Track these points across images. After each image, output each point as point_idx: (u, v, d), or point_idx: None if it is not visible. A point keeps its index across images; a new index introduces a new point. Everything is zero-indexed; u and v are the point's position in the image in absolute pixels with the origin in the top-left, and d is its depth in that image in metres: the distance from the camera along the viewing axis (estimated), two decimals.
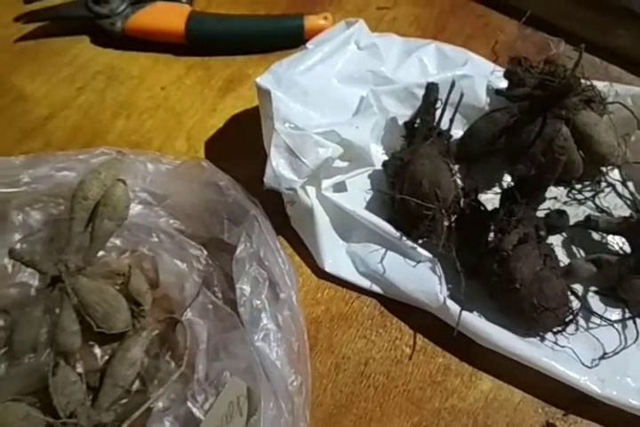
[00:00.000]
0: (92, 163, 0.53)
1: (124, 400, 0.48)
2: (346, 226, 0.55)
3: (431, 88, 0.59)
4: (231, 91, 0.71)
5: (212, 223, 0.55)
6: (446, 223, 0.52)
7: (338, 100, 0.61)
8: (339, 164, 0.55)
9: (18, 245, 0.53)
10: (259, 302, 0.48)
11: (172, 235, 0.55)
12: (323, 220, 0.55)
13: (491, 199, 0.59)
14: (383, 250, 0.54)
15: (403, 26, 0.78)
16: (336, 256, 0.55)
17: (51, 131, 0.68)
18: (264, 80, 0.57)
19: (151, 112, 0.69)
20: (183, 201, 0.56)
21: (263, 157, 0.57)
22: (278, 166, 0.51)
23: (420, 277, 0.51)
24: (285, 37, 0.74)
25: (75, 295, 0.48)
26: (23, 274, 0.53)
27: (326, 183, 0.55)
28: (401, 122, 0.62)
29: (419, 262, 0.52)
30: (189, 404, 0.45)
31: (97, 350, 0.51)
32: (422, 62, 0.66)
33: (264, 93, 0.56)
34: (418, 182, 0.51)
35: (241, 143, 0.64)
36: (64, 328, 0.49)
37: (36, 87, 0.72)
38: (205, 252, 0.54)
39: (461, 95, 0.59)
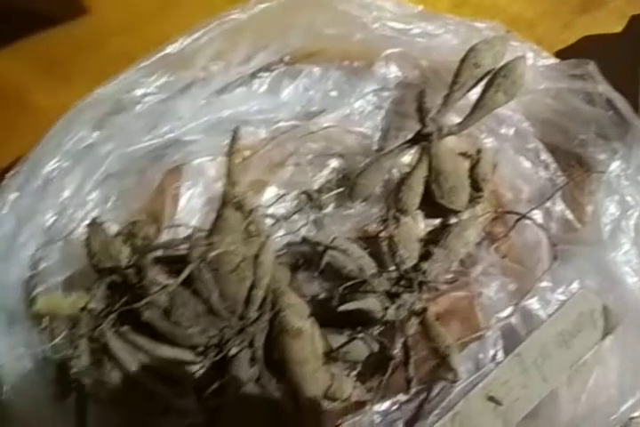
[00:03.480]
0: (480, 34, 0.50)
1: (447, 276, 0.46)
2: None
3: None
4: (586, 11, 0.65)
5: (571, 133, 0.50)
6: None
7: None
8: None
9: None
10: (624, 225, 0.44)
11: (523, 133, 0.51)
12: None
13: None
14: None
15: None
16: None
17: None
18: None
19: (495, 11, 0.65)
20: (544, 102, 0.52)
21: None
22: None
23: None
24: None
25: (433, 159, 0.47)
26: (368, 124, 0.52)
27: None
28: None
29: None
30: (529, 301, 0.43)
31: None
32: None
33: None
34: None
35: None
36: (411, 187, 0.47)
37: None
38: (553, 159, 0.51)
39: None
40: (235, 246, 0.36)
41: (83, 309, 0.36)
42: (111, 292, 0.38)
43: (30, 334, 0.38)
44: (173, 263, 0.38)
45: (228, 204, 0.36)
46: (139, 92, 0.42)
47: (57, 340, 0.37)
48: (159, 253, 0.40)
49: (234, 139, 0.40)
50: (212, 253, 0.35)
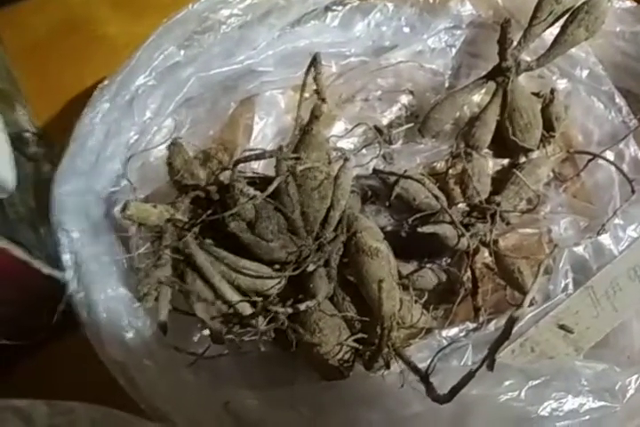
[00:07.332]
0: None
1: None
2: None
3: None
4: None
5: None
6: None
7: None
8: None
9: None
10: None
11: (597, 75, 0.50)
12: None
13: None
14: None
15: None
16: None
17: None
18: None
19: None
20: (617, 46, 0.51)
21: None
22: None
23: None
24: None
25: (509, 95, 0.46)
26: (438, 62, 0.51)
27: None
28: None
29: None
30: (601, 237, 0.43)
31: None
32: None
33: None
34: None
35: None
36: (485, 123, 0.47)
37: None
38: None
39: None
40: (321, 163, 0.36)
41: (169, 220, 0.37)
42: (194, 207, 0.39)
43: (114, 244, 0.40)
44: (254, 184, 0.39)
45: (318, 119, 0.36)
46: (225, 12, 0.42)
47: (142, 249, 0.38)
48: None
49: (317, 61, 0.40)
50: (301, 167, 0.35)
